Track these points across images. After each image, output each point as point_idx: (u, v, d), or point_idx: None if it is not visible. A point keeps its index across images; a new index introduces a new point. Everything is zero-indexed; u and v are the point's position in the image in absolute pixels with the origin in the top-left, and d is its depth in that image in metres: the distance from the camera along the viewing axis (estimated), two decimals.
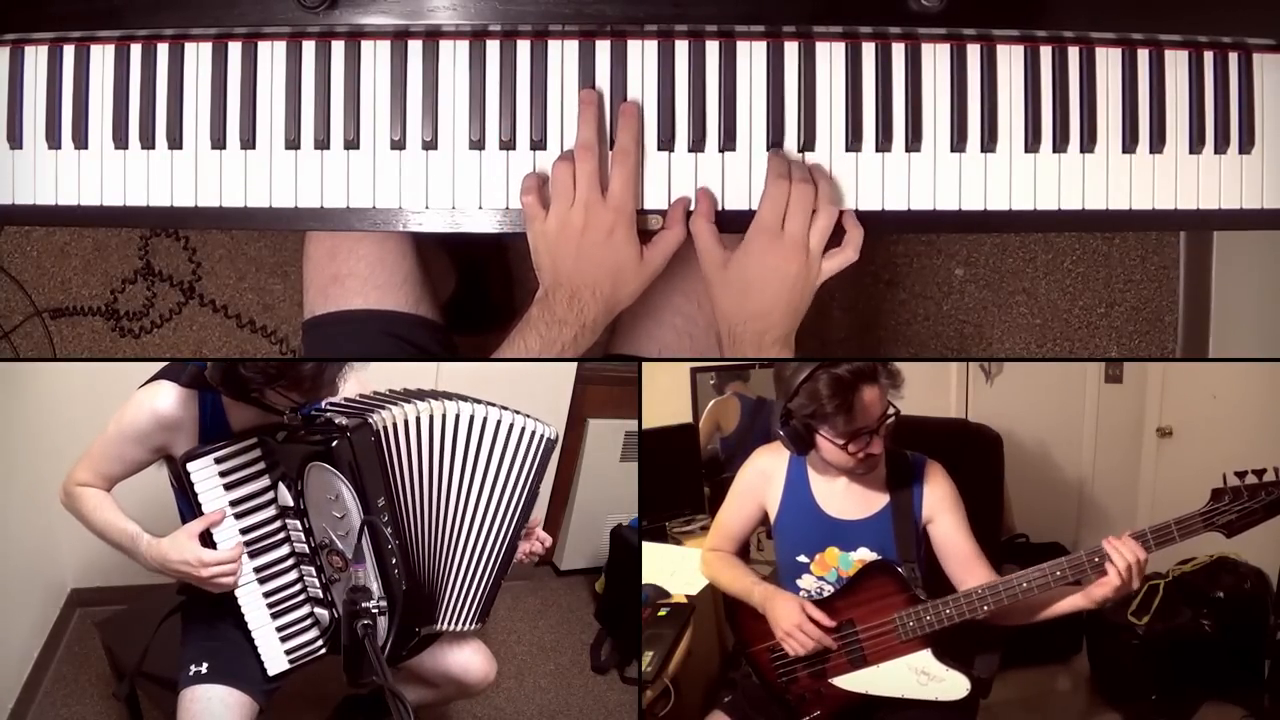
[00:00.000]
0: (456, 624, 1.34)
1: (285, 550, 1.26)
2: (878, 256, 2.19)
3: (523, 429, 1.31)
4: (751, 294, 1.15)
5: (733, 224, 1.18)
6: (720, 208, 1.19)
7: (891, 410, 1.18)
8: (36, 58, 1.19)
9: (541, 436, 1.33)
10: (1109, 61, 1.21)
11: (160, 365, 1.24)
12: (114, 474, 1.24)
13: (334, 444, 1.16)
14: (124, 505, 1.25)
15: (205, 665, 1.23)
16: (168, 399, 1.19)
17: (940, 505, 1.26)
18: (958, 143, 1.20)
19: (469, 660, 1.43)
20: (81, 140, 1.19)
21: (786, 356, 1.18)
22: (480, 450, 1.29)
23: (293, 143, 1.19)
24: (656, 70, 1.19)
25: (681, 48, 1.19)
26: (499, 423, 1.29)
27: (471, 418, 1.27)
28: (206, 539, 1.20)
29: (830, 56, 1.19)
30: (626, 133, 1.17)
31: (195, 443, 1.20)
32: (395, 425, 1.22)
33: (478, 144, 1.19)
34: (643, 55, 1.19)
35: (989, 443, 1.54)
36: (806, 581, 1.28)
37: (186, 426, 1.20)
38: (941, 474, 1.28)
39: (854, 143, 1.19)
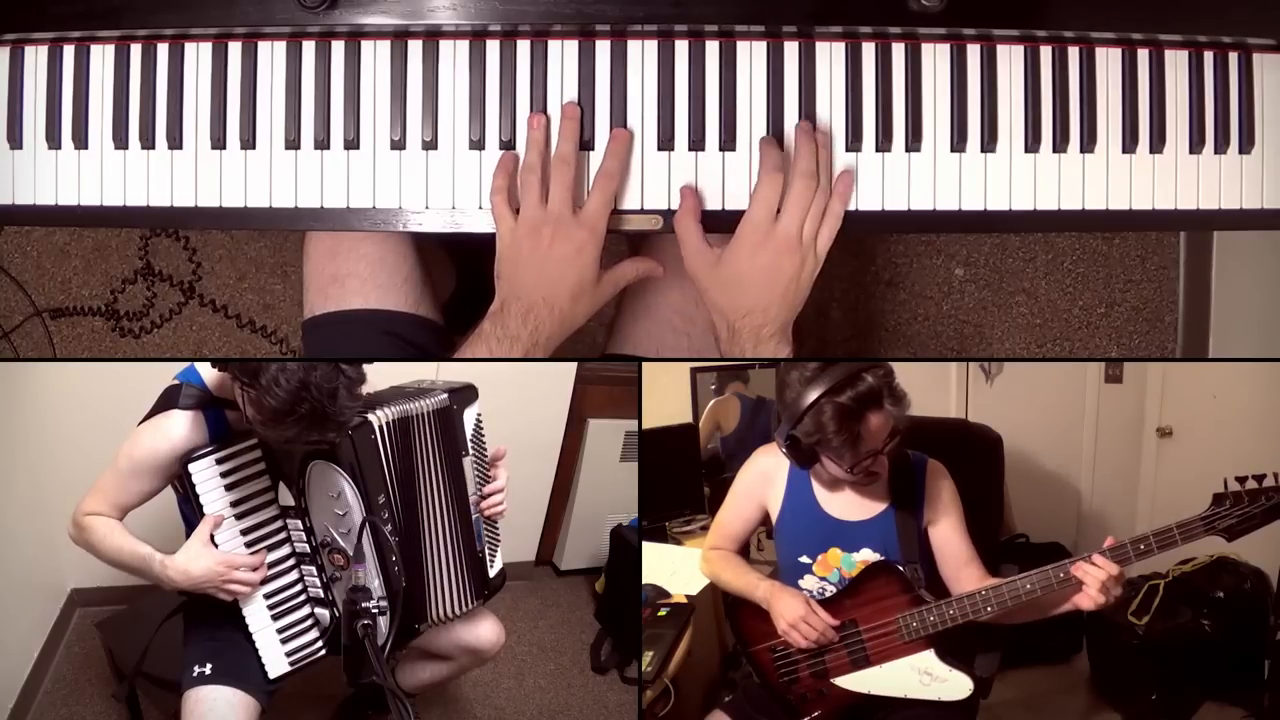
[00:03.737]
0: (452, 611, 1.35)
1: (286, 550, 1.26)
2: (878, 256, 2.19)
3: (423, 414, 1.30)
4: (746, 290, 1.14)
5: (733, 224, 1.17)
6: (721, 207, 1.19)
7: (897, 431, 1.17)
8: (36, 58, 1.19)
9: (431, 412, 1.31)
10: (1109, 61, 1.21)
11: (158, 365, 1.24)
12: (128, 504, 1.24)
13: (337, 442, 1.16)
14: (131, 525, 1.25)
15: (209, 666, 1.23)
16: (180, 428, 1.20)
17: (942, 507, 1.26)
18: (958, 143, 1.20)
19: (478, 627, 1.44)
20: (81, 140, 1.19)
21: (785, 350, 1.17)
22: (418, 444, 1.30)
23: (293, 143, 1.18)
24: (656, 70, 1.19)
25: (681, 48, 1.19)
26: (415, 417, 1.29)
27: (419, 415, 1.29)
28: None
29: (830, 56, 1.19)
30: (614, 158, 1.16)
31: None
32: (389, 423, 1.23)
33: (478, 144, 1.19)
34: (643, 55, 1.19)
35: (989, 443, 1.54)
36: (809, 582, 1.28)
37: (199, 447, 1.20)
38: (943, 474, 1.27)
39: (854, 143, 1.19)
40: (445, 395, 1.32)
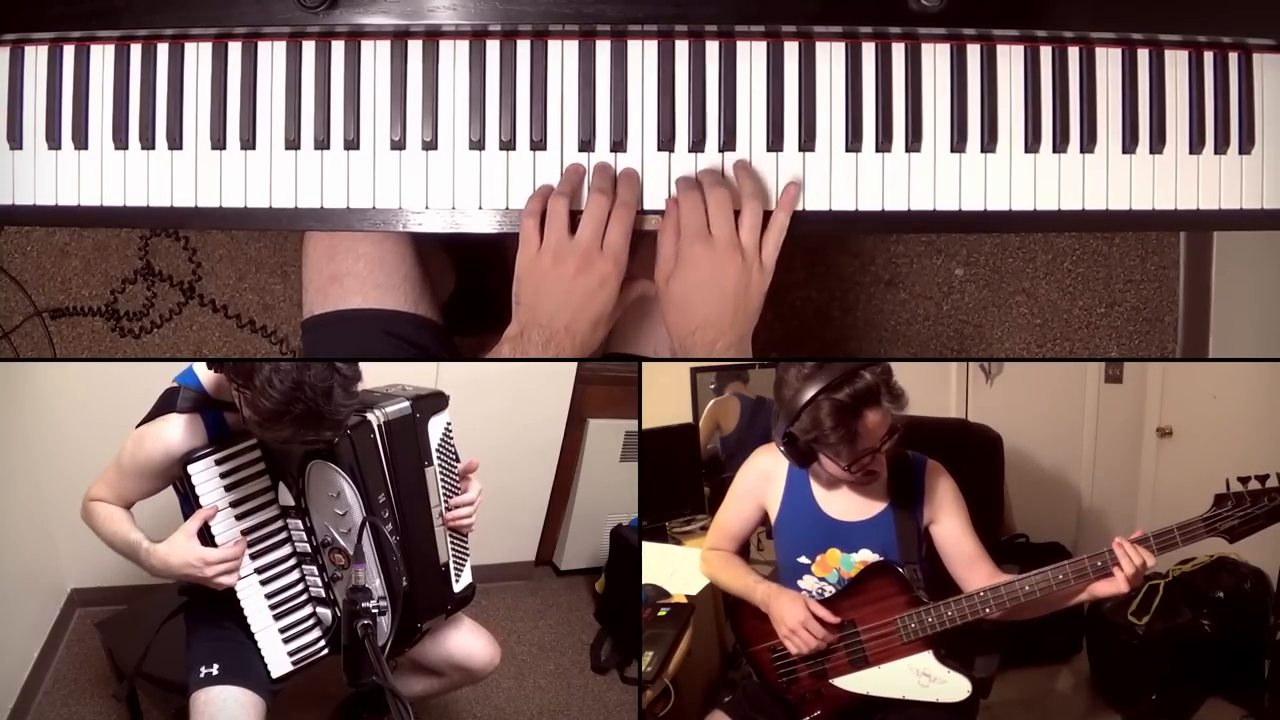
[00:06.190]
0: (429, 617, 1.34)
1: (287, 550, 1.26)
2: (878, 256, 2.19)
3: (397, 420, 1.25)
4: (694, 306, 1.16)
5: None
6: None
7: (895, 429, 1.17)
8: (36, 58, 1.19)
9: (396, 419, 1.25)
10: (1109, 61, 1.21)
11: (158, 365, 1.24)
12: (129, 498, 1.26)
13: (335, 441, 1.16)
14: (135, 511, 1.25)
15: (215, 666, 1.23)
16: (176, 433, 1.20)
17: (943, 506, 1.26)
18: (958, 143, 1.20)
19: (471, 645, 1.43)
20: (81, 140, 1.19)
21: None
22: (395, 448, 1.25)
23: (293, 143, 1.19)
24: (656, 70, 1.19)
25: (681, 48, 1.19)
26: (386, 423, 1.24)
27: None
28: (207, 538, 1.20)
29: (830, 56, 1.19)
30: (628, 189, 1.17)
31: None
32: (388, 423, 1.22)
33: (478, 144, 1.19)
34: (643, 55, 1.19)
35: (989, 443, 1.55)
36: (808, 582, 1.28)
37: (198, 448, 1.20)
38: (943, 474, 1.27)
39: (854, 143, 1.19)
40: (407, 403, 1.27)
